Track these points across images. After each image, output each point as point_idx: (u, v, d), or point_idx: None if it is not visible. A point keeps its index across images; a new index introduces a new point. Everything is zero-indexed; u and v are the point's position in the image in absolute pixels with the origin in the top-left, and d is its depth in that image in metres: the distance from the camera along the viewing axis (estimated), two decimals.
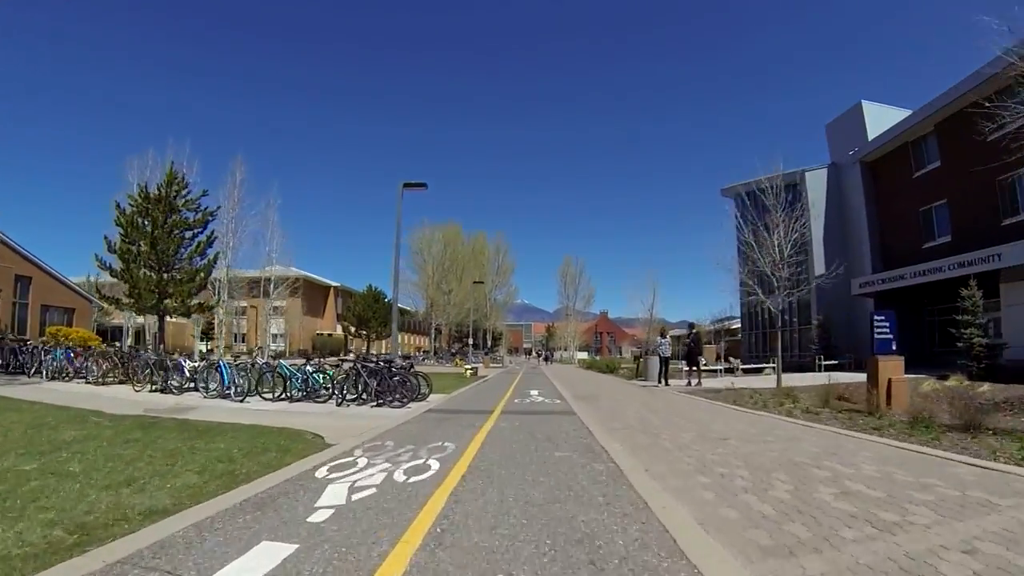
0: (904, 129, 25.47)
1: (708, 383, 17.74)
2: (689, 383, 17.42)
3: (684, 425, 8.13)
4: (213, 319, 61.79)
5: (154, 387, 13.61)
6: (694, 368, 17.56)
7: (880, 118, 29.73)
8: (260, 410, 9.95)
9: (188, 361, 14.58)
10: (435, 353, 62.15)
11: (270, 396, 12.14)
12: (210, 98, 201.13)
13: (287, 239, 32.58)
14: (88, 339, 27.59)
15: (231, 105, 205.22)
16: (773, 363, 26.91)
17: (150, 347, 31.51)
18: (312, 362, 13.19)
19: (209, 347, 61.48)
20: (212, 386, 12.72)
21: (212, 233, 25.72)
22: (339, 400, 11.38)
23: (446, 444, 6.25)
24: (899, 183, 26.20)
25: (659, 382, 17.78)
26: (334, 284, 68.83)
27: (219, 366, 12.89)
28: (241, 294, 36.03)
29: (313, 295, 66.46)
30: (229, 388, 12.21)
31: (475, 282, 50.09)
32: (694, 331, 18.38)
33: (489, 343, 75.10)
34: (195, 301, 27.32)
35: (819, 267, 31.40)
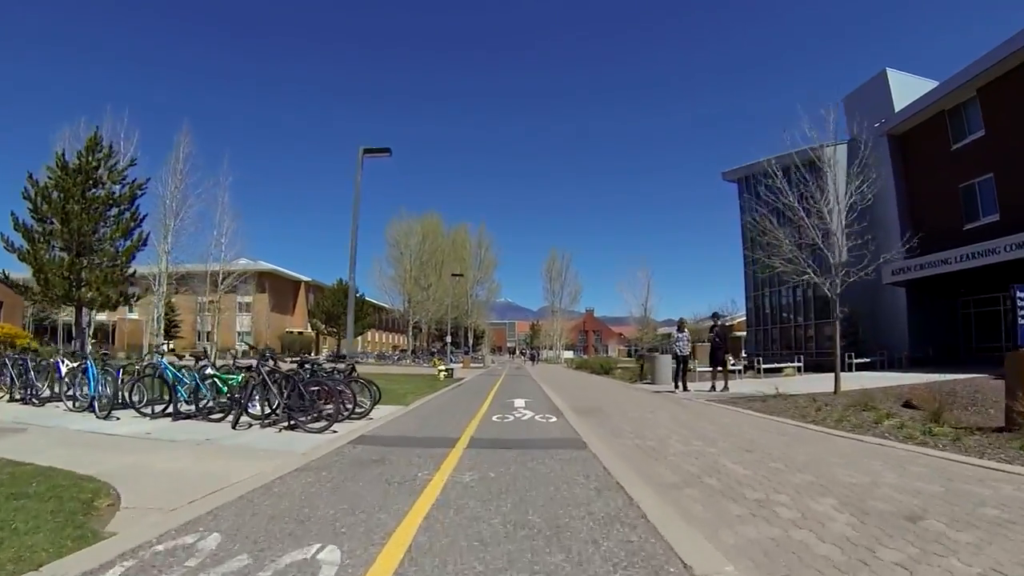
0: (940, 96, 22.39)
1: (735, 386, 14.40)
2: (713, 387, 14.08)
3: (783, 474, 4.67)
4: (175, 316, 57.49)
5: (15, 396, 10.56)
6: (719, 368, 14.23)
7: (906, 88, 26.64)
8: (107, 434, 6.51)
9: (66, 363, 10.87)
10: (413, 352, 58.43)
11: (148, 410, 8.64)
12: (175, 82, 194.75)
13: (240, 222, 28.16)
14: (15, 337, 23.61)
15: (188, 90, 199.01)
16: (793, 362, 23.79)
17: (103, 347, 27.90)
18: (202, 362, 9.47)
19: (171, 347, 57.27)
20: (82, 394, 9.39)
21: (139, 210, 21.87)
22: (236, 418, 7.80)
23: (321, 557, 2.70)
24: (934, 157, 23.12)
25: (675, 386, 14.38)
26: (305, 279, 64.66)
27: (86, 369, 9.30)
28: (203, 288, 31.75)
29: (282, 290, 62.30)
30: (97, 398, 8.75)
31: (454, 274, 46.43)
32: (719, 323, 14.97)
33: (470, 342, 71.50)
34: (133, 291, 23.55)
35: (841, 253, 28.37)
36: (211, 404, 8.59)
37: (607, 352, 77.16)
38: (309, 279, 64.07)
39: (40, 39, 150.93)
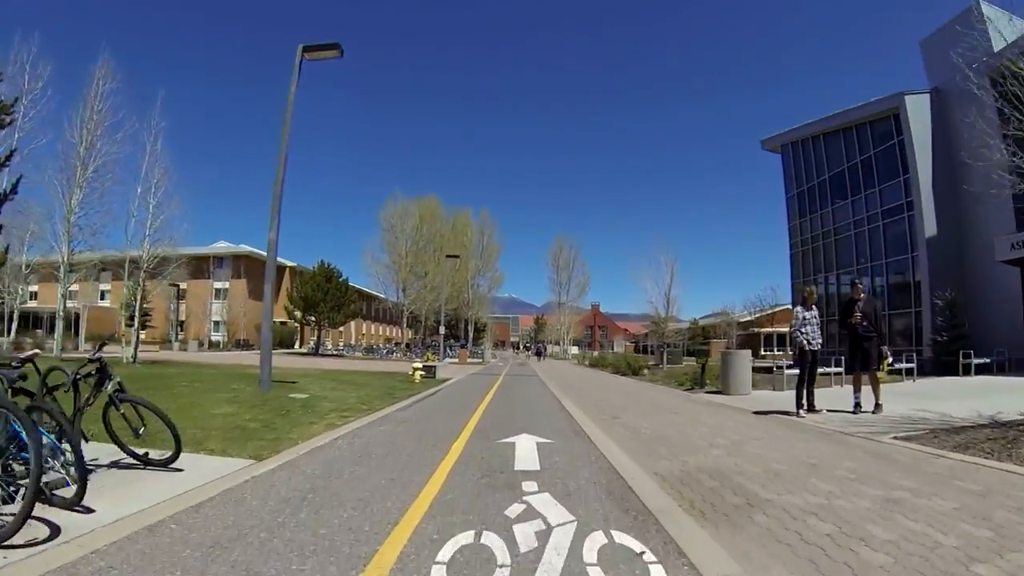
0: None
1: (893, 403, 8.33)
2: (857, 405, 8.18)
3: None
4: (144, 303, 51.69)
5: None
6: (870, 372, 8.26)
7: (1005, 26, 20.38)
8: None
9: None
10: (408, 346, 52.62)
11: None
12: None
13: (174, 179, 21.67)
14: None
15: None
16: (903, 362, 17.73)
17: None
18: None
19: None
20: None
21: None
22: None
23: None
24: None
25: (799, 406, 8.36)
26: (290, 264, 58.68)
27: None
28: (172, 274, 25.26)
29: (262, 275, 56.46)
30: None
31: (449, 255, 40.62)
32: (862, 297, 8.63)
33: (470, 336, 65.65)
34: None
35: (929, 225, 22.35)
36: None
37: (612, 348, 71.10)
38: (294, 264, 58.23)
39: None
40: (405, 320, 57.50)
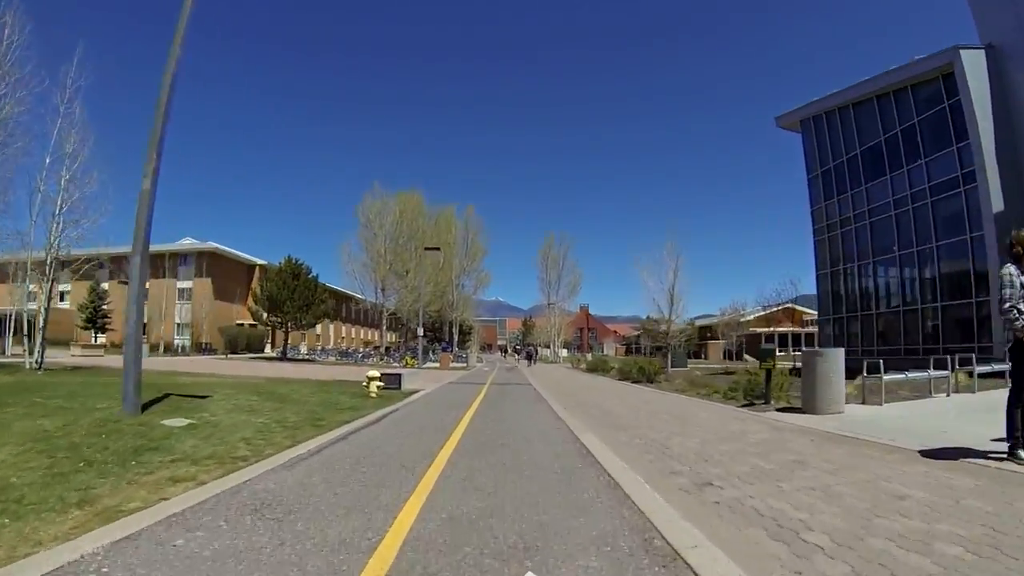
0: None
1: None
2: None
3: None
4: (103, 304, 47.41)
5: None
6: None
7: None
8: None
9: None
10: (388, 351, 48.59)
11: None
12: None
13: (96, 148, 17.22)
14: None
15: None
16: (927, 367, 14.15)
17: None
18: None
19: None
20: None
21: None
22: None
23: None
24: None
25: (1017, 445, 4.65)
26: (259, 262, 54.39)
27: None
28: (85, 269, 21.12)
29: (230, 275, 51.96)
30: None
31: (428, 248, 36.79)
32: None
33: (455, 338, 61.67)
34: None
35: (996, 200, 18.84)
36: None
37: (602, 351, 67.39)
38: (264, 262, 53.90)
39: None
40: (385, 322, 53.49)
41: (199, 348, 43.64)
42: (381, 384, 12.35)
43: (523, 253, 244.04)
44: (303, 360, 39.22)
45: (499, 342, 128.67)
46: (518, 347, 55.19)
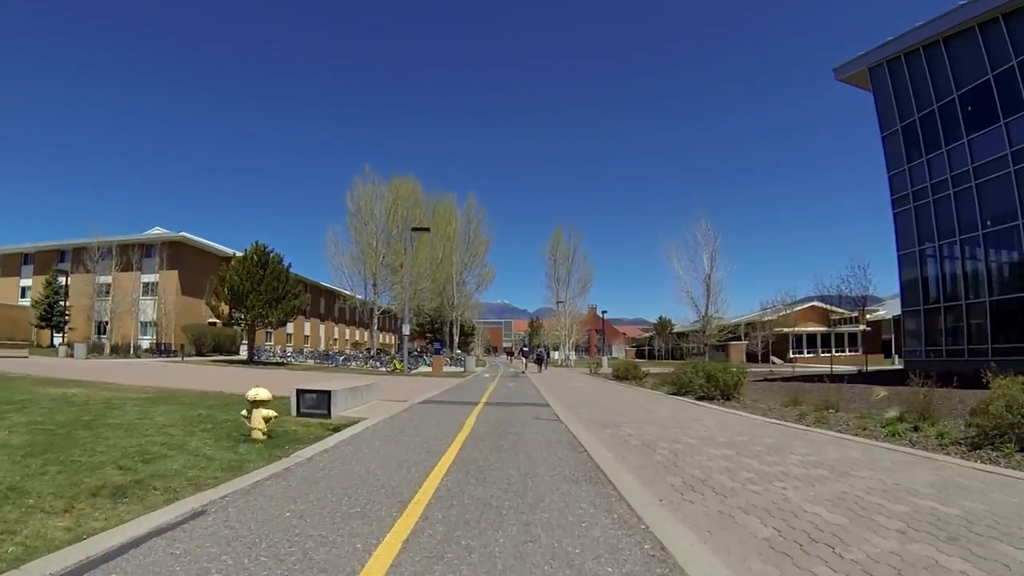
0: None
1: None
2: None
3: None
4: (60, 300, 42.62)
5: None
6: None
7: None
8: None
9: None
10: (380, 352, 43.20)
11: None
12: None
13: None
14: None
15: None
16: None
17: None
18: None
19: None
20: None
21: None
22: None
23: None
24: None
25: None
26: (236, 253, 48.99)
27: None
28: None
29: (200, 267, 46.30)
30: None
31: (415, 228, 31.39)
32: None
33: (455, 339, 56.12)
34: None
35: None
36: None
37: (611, 353, 61.47)
38: (242, 253, 48.46)
39: None
40: (376, 322, 47.98)
41: (157, 349, 38.32)
42: (274, 415, 6.83)
43: (528, 255, 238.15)
44: (274, 364, 33.77)
45: (504, 345, 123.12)
46: (525, 349, 49.22)
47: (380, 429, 8.11)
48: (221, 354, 40.73)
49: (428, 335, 64.11)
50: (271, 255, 32.87)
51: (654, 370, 24.83)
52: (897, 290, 24.09)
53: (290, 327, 59.80)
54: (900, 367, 23.88)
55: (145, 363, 28.40)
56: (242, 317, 31.48)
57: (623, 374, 24.07)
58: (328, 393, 9.29)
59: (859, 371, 25.35)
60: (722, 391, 12.75)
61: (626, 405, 12.11)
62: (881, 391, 11.44)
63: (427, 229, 34.21)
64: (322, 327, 67.41)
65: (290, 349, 49.07)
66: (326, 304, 65.92)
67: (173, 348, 37.31)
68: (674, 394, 14.96)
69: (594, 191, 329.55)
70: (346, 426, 8.17)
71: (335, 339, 70.26)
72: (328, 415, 9.17)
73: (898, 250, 22.36)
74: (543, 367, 34.81)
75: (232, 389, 12.89)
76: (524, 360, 40.82)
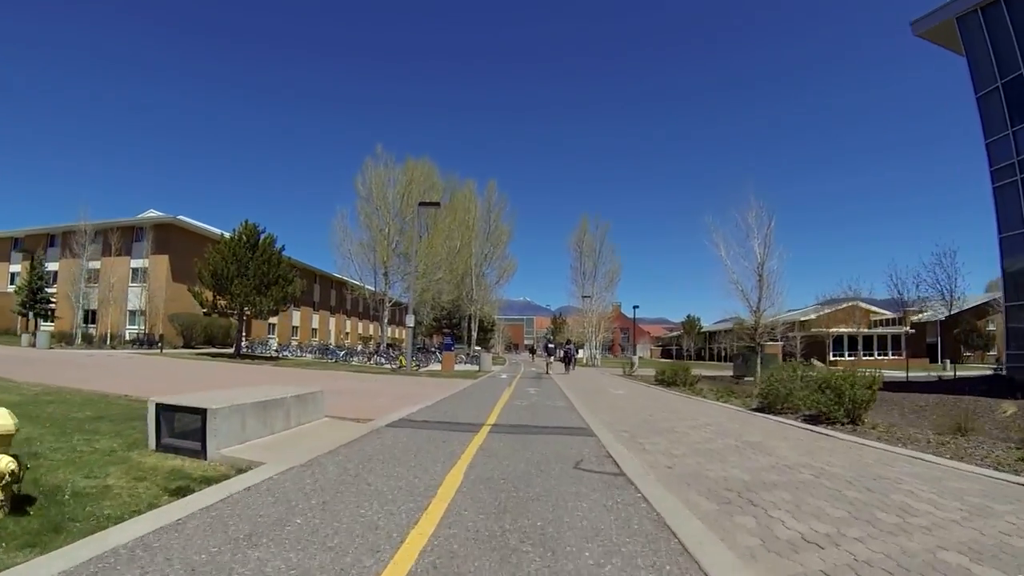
0: None
1: None
2: None
3: None
4: (45, 285, 39.65)
5: None
6: None
7: None
8: None
9: None
10: (390, 347, 39.12)
11: None
12: None
13: None
14: None
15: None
16: None
17: None
18: None
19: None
20: None
21: None
22: None
23: None
24: None
25: None
26: (227, 235, 45.15)
27: None
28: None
29: (192, 251, 42.50)
30: None
31: (423, 204, 27.13)
32: None
33: (474, 334, 51.75)
34: None
35: None
36: None
37: (635, 353, 56.61)
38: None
39: None
40: (386, 314, 43.85)
41: (139, 340, 34.64)
42: (12, 468, 2.48)
43: (551, 252, 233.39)
44: (264, 358, 29.77)
45: (526, 342, 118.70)
46: (550, 345, 44.33)
47: (250, 504, 3.58)
48: (214, 346, 36.98)
49: (445, 330, 60.01)
50: (263, 236, 28.95)
51: (703, 373, 20.14)
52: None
53: (295, 319, 56.16)
54: (988, 373, 22.74)
55: (109, 355, 24.60)
56: (226, 305, 27.54)
57: (670, 379, 19.42)
58: (202, 413, 5.00)
59: (939, 378, 22.74)
60: (847, 411, 8.33)
61: (711, 434, 7.57)
62: (1009, 407, 10.41)
63: (437, 204, 29.89)
64: (332, 320, 63.73)
65: (295, 342, 45.27)
66: (337, 296, 62.20)
67: (158, 339, 33.54)
68: (757, 410, 10.48)
69: (617, 189, 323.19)
70: (197, 485, 3.83)
71: (347, 333, 66.56)
72: (202, 452, 4.88)
73: (1000, 232, 17.54)
74: (571, 367, 30.21)
75: (150, 393, 8.86)
76: (548, 358, 36.16)
